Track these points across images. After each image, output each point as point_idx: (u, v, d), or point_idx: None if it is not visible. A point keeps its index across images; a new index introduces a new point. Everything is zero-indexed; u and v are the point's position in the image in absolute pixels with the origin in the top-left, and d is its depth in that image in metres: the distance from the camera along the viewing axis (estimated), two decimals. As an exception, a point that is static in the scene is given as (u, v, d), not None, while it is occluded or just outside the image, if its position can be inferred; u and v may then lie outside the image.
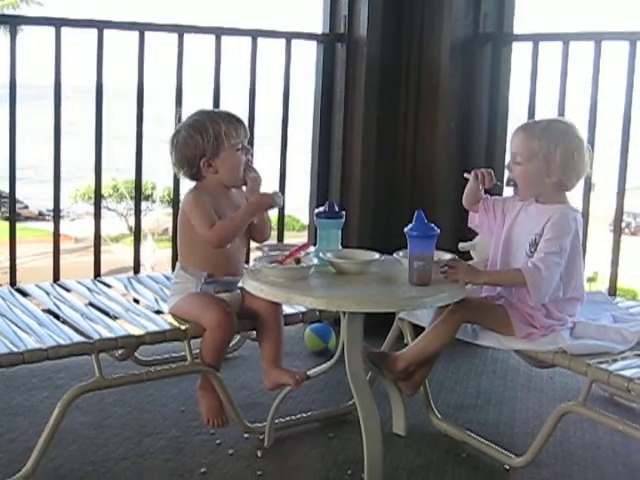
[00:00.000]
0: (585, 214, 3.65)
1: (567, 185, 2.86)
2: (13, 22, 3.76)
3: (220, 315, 2.90)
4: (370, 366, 3.04)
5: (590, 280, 13.00)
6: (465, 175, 3.01)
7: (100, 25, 3.82)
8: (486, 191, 3.03)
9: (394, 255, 2.91)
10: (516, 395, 3.66)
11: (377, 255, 2.90)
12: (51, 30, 3.71)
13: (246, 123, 3.16)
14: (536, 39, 4.04)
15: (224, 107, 4.00)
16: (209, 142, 3.01)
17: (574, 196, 2.96)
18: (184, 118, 3.13)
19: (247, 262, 3.96)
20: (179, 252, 3.15)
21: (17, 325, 3.00)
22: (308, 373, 3.02)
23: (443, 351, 2.98)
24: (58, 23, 3.73)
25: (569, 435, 3.19)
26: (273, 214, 3.29)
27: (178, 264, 3.14)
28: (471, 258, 3.15)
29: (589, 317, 2.99)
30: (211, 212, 2.99)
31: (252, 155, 3.10)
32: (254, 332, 3.13)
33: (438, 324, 2.90)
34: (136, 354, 3.35)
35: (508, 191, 3.04)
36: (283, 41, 4.24)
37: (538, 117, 3.59)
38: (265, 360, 3.03)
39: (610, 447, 3.15)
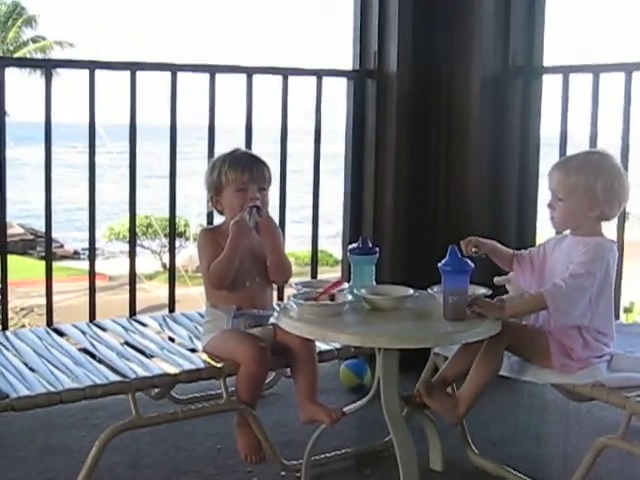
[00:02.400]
0: (620, 243, 3.63)
1: (609, 216, 2.86)
2: (49, 66, 3.82)
3: (254, 350, 2.91)
4: (428, 412, 3.02)
5: (627, 311, 12.84)
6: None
7: (133, 67, 3.87)
8: (517, 247, 3.05)
9: (428, 290, 2.91)
10: (554, 429, 3.62)
11: (411, 291, 2.89)
12: (85, 72, 3.77)
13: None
14: (566, 71, 4.03)
15: (256, 144, 4.07)
16: (213, 181, 3.14)
17: (608, 225, 2.95)
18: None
19: (280, 299, 3.98)
20: (205, 290, 3.18)
21: (54, 365, 3.03)
22: (344, 410, 3.01)
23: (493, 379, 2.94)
24: (92, 66, 3.79)
25: (609, 469, 3.14)
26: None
27: (207, 303, 3.16)
28: (507, 292, 3.14)
29: (626, 349, 2.97)
30: (214, 253, 3.03)
31: (261, 198, 3.09)
32: (289, 369, 3.13)
33: (483, 355, 2.85)
34: (172, 392, 3.35)
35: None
36: (314, 78, 4.27)
37: (570, 148, 3.58)
38: (300, 395, 3.03)
39: (651, 481, 3.11)
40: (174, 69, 3.96)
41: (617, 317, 3.56)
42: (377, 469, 3.20)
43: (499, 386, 3.58)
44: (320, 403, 3.01)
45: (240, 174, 3.08)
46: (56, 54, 33.45)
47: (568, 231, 2.94)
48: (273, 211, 3.30)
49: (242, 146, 4.00)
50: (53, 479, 3.09)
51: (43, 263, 4.00)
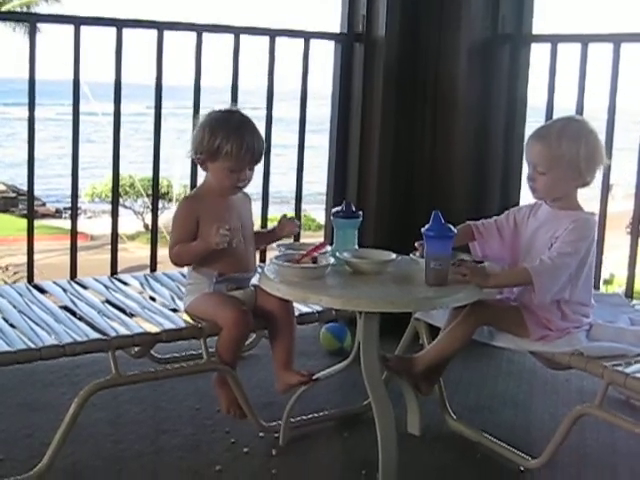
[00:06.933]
0: (602, 215, 3.64)
1: (590, 182, 2.85)
2: (32, 20, 3.77)
3: (236, 313, 2.91)
4: (389, 371, 3.04)
5: (607, 282, 12.93)
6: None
7: (119, 24, 3.82)
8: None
9: (410, 255, 2.91)
10: (532, 397, 3.65)
11: (394, 255, 2.89)
12: (70, 28, 3.73)
13: (263, 123, 3.11)
14: (555, 40, 4.02)
15: (243, 106, 4.05)
16: (210, 147, 2.98)
17: (592, 196, 2.95)
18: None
19: (263, 261, 3.98)
20: None
21: (34, 321, 3.02)
22: (323, 373, 3.03)
23: (459, 352, 2.97)
24: (77, 22, 3.75)
25: (585, 437, 3.18)
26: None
27: (190, 265, 3.14)
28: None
29: (606, 319, 2.99)
30: (187, 230, 2.99)
31: (249, 176, 3.04)
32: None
33: (455, 327, 2.89)
34: (152, 352, 3.36)
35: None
36: (301, 41, 4.24)
37: (555, 117, 3.57)
38: (276, 362, 3.03)
39: (626, 449, 3.14)
40: (161, 27, 3.91)
41: (597, 287, 3.59)
42: (355, 432, 3.22)
43: (478, 353, 3.62)
44: (295, 370, 3.01)
45: (242, 156, 2.96)
46: (42, 9, 32.92)
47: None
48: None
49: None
50: (32, 435, 3.09)
51: (25, 221, 3.98)
